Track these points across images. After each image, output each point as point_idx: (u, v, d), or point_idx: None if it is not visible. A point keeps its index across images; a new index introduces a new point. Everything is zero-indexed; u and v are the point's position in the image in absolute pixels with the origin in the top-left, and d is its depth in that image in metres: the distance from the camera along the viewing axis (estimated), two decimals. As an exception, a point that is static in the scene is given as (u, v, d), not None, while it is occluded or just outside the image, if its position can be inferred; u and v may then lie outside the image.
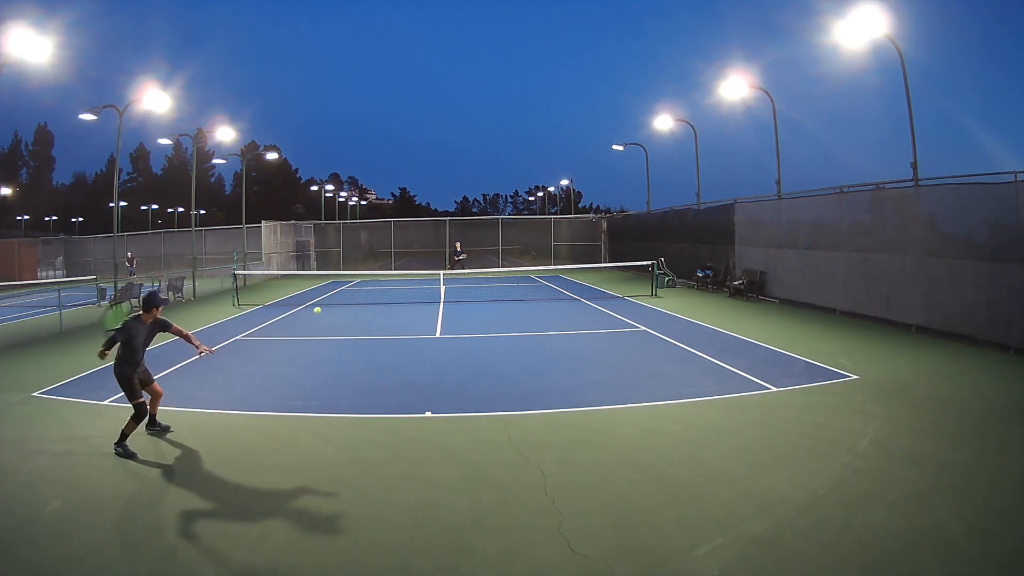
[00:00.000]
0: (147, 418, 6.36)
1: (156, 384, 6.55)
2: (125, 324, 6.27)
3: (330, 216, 53.99)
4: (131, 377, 6.13)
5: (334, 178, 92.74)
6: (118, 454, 5.87)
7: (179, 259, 31.91)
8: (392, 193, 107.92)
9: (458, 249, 27.89)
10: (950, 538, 4.02)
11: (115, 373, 6.17)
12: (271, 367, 9.61)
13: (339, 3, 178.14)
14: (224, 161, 45.50)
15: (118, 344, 6.15)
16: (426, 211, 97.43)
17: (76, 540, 4.22)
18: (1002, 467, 5.16)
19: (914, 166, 12.29)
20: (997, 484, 4.84)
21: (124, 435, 5.98)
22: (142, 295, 6.30)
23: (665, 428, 6.35)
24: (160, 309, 6.39)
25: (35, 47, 12.92)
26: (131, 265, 24.96)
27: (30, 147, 73.56)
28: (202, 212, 54.18)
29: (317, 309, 14.66)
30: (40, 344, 12.26)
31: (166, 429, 6.57)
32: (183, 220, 62.18)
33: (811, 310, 14.41)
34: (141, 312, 6.34)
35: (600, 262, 29.94)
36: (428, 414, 6.98)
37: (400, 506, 4.69)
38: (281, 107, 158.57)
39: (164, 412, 7.24)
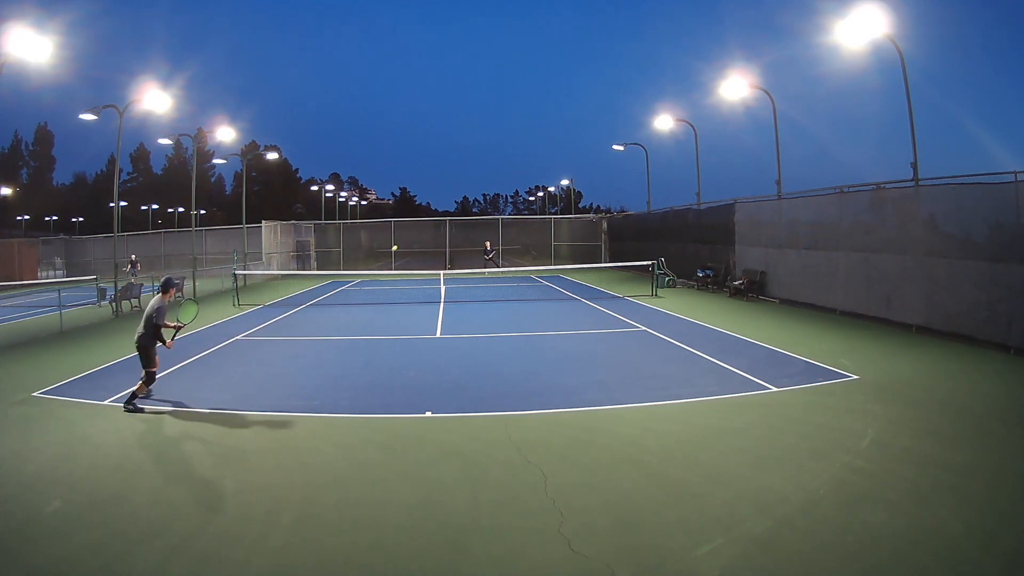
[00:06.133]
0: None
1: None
2: (159, 305, 7.48)
3: (330, 216, 54.03)
4: (153, 348, 7.45)
5: (334, 178, 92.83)
6: (128, 411, 7.18)
7: (179, 259, 31.89)
8: (392, 193, 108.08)
9: (488, 248, 28.21)
10: (950, 538, 4.02)
11: (141, 343, 7.41)
12: (271, 367, 9.61)
13: (339, 4, 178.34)
14: (224, 161, 45.48)
15: (150, 322, 7.39)
16: (426, 211, 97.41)
17: (76, 540, 4.22)
18: (1002, 467, 5.16)
19: (914, 166, 12.28)
20: (997, 484, 4.84)
21: (135, 395, 7.35)
22: (162, 279, 8.10)
23: (665, 428, 6.35)
24: (175, 291, 7.90)
25: (35, 47, 12.92)
26: (135, 267, 24.85)
27: (30, 147, 73.61)
28: (202, 212, 54.14)
29: (395, 247, 13.34)
30: (40, 344, 12.26)
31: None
32: (183, 220, 62.18)
33: (811, 310, 14.41)
34: (161, 294, 7.68)
35: (600, 262, 29.93)
36: (428, 414, 6.98)
37: (400, 506, 4.69)
38: (281, 107, 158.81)
39: (164, 412, 7.26)
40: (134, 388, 7.46)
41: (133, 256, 26.70)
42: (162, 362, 9.37)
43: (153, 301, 7.55)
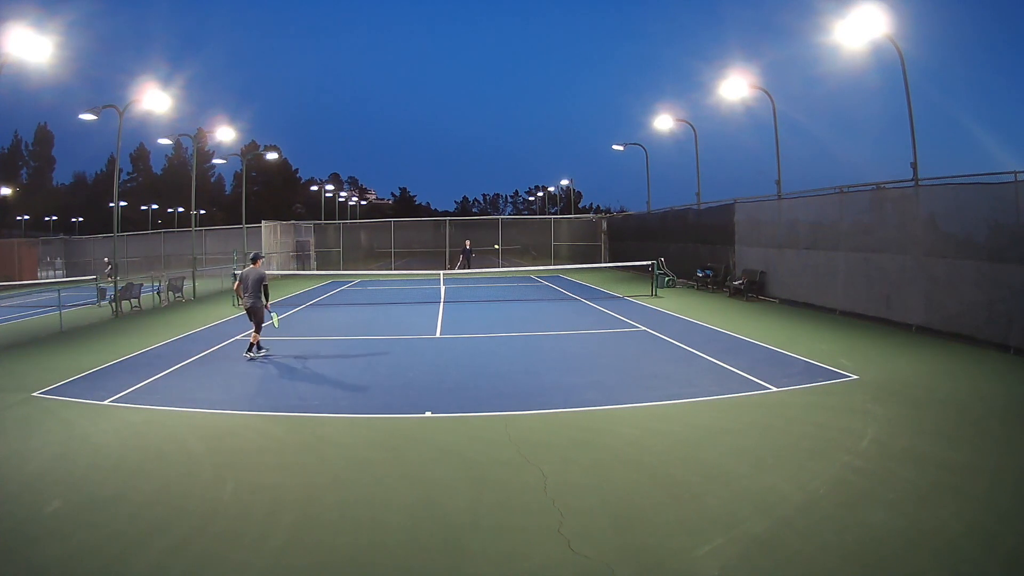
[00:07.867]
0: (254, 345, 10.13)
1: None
2: (264, 271, 10.13)
3: (330, 216, 54.00)
4: (261, 307, 10.11)
5: (334, 178, 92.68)
6: (250, 359, 9.80)
7: (179, 259, 31.85)
8: (392, 193, 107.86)
9: (467, 247, 28.23)
10: (950, 538, 4.02)
11: (255, 306, 10.03)
12: (271, 367, 9.61)
13: (340, 4, 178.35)
14: (224, 161, 45.57)
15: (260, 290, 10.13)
16: (426, 211, 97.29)
17: (76, 540, 4.22)
18: (1002, 467, 5.16)
19: (914, 166, 12.28)
20: (997, 484, 4.84)
21: (252, 345, 10.04)
22: (251, 254, 10.65)
23: (665, 428, 6.35)
24: (261, 260, 10.40)
25: (35, 47, 12.91)
26: (113, 269, 24.81)
27: (30, 147, 73.40)
28: (202, 212, 54.09)
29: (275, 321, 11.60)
30: (40, 344, 12.26)
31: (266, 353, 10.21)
32: (183, 220, 62.10)
33: (811, 310, 14.41)
34: (254, 264, 10.27)
35: (600, 262, 29.93)
36: (428, 414, 6.98)
37: (400, 506, 4.69)
38: (281, 107, 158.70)
39: (164, 412, 7.27)
40: (251, 339, 10.08)
41: (106, 259, 26.63)
42: (162, 363, 9.45)
43: (254, 271, 10.11)
